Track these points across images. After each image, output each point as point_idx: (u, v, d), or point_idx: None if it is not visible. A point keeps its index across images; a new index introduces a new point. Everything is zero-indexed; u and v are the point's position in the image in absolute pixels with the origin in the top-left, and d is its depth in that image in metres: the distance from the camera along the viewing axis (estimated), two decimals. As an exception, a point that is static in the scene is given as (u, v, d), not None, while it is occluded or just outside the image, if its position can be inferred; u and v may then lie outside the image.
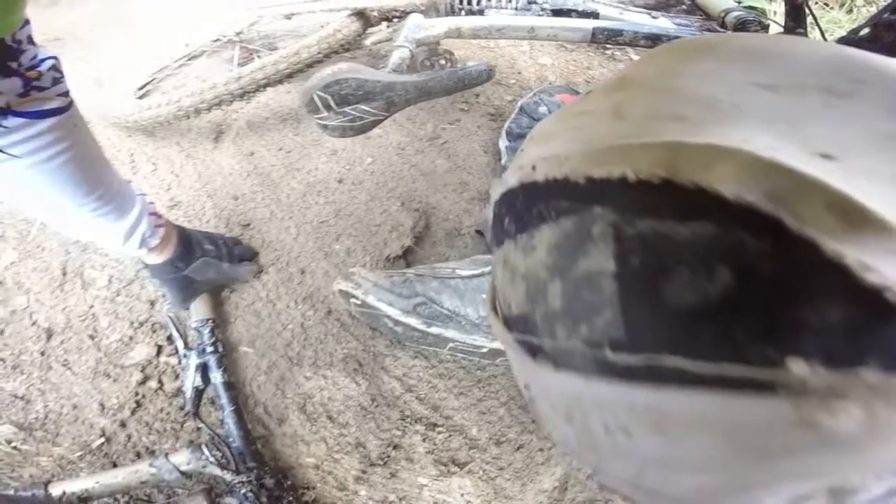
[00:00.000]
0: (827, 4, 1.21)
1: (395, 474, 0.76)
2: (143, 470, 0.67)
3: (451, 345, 0.78)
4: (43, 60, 0.52)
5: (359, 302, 0.79)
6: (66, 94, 0.56)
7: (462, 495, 0.75)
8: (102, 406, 0.82)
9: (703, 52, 0.21)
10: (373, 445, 0.77)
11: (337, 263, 0.94)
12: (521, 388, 0.27)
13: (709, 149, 0.15)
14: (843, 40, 0.75)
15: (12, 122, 0.51)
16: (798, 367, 0.15)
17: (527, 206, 0.22)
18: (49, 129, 0.54)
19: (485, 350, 0.76)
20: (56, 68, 0.54)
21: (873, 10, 1.17)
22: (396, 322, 0.77)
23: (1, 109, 0.50)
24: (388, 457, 0.77)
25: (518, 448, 0.78)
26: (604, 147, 0.18)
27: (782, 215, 0.14)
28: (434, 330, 0.76)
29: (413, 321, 0.76)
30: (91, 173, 0.62)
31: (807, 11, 0.70)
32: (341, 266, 0.94)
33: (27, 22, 0.49)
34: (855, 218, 0.14)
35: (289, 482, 0.73)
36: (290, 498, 0.69)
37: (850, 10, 1.17)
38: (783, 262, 0.14)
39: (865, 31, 0.73)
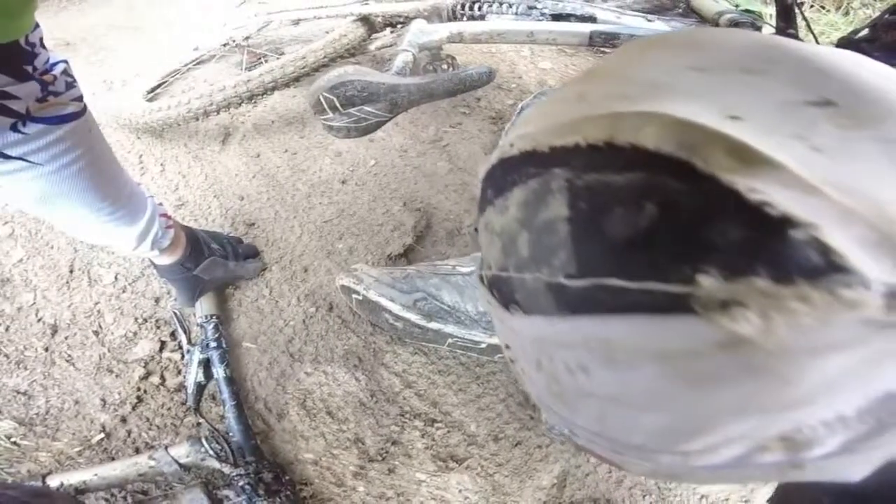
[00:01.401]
0: (823, 7, 1.21)
1: (394, 470, 0.75)
2: (141, 462, 0.67)
3: (450, 340, 0.78)
4: (55, 64, 0.52)
5: (360, 297, 0.79)
6: (80, 98, 0.55)
7: (460, 491, 0.74)
8: (104, 401, 0.82)
9: (656, 45, 0.25)
10: (371, 441, 0.76)
11: (339, 262, 0.94)
12: (504, 352, 0.28)
13: (640, 115, 0.19)
14: (842, 41, 0.75)
15: (32, 128, 0.51)
16: (706, 281, 0.17)
17: (503, 176, 0.25)
18: (67, 135, 0.54)
19: (483, 345, 0.76)
20: (67, 72, 0.54)
21: (870, 12, 1.17)
22: (397, 317, 0.77)
23: (21, 115, 0.49)
24: (387, 452, 0.76)
25: (516, 444, 0.77)
26: (565, 122, 0.22)
27: (693, 160, 0.18)
28: (434, 325, 0.75)
29: (413, 316, 0.75)
30: (106, 178, 0.61)
31: (797, 12, 0.70)
32: (344, 264, 0.93)
33: (37, 25, 0.49)
34: (749, 158, 0.17)
35: (287, 477, 0.72)
36: (288, 492, 0.68)
37: (847, 13, 1.17)
38: (694, 196, 0.18)
39: (865, 31, 0.73)
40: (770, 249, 0.17)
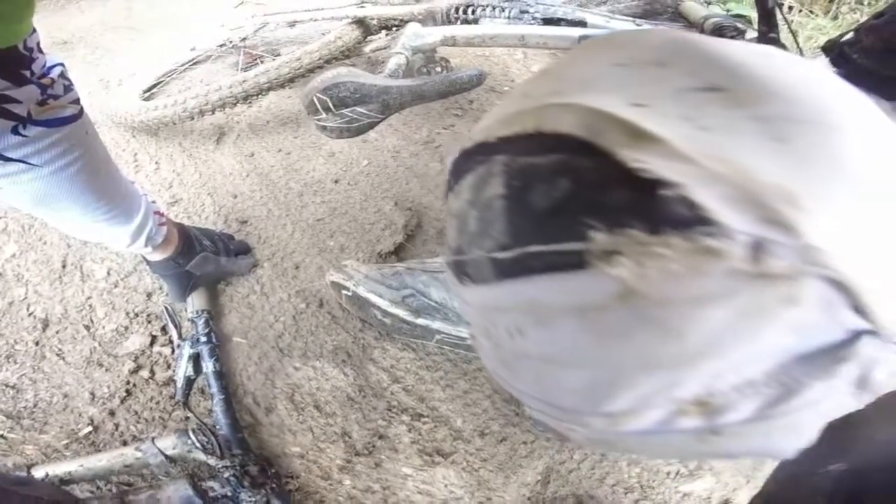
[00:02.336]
0: (812, 12, 1.22)
1: (380, 464, 0.75)
2: (128, 454, 0.67)
3: (438, 336, 0.78)
4: (52, 67, 0.53)
5: (349, 293, 0.79)
6: (77, 101, 0.56)
7: (446, 486, 0.73)
8: (93, 395, 0.82)
9: (593, 46, 0.29)
10: (358, 435, 0.76)
11: (330, 259, 0.94)
12: (466, 325, 0.32)
13: (563, 106, 0.23)
14: (827, 44, 0.76)
15: (32, 131, 0.51)
16: (596, 236, 0.21)
17: (462, 165, 0.29)
18: (65, 137, 0.54)
19: (470, 341, 0.76)
20: (64, 75, 0.55)
21: (858, 16, 1.18)
22: (385, 313, 0.77)
23: (22, 118, 0.50)
24: (374, 446, 0.76)
25: (501, 440, 0.77)
26: (509, 115, 0.26)
27: (596, 140, 0.21)
28: (421, 321, 0.76)
29: (401, 312, 0.76)
30: (102, 179, 0.62)
31: (779, 16, 0.71)
32: (335, 261, 0.94)
33: (34, 29, 0.49)
34: (639, 136, 0.20)
35: (273, 470, 0.71)
36: (274, 485, 0.67)
37: (836, 17, 1.18)
38: (596, 169, 0.21)
39: (849, 35, 0.74)
40: (645, 206, 0.20)
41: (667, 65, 0.23)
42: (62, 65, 0.55)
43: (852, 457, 0.34)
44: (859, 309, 0.20)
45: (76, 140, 0.56)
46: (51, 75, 0.52)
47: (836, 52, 0.73)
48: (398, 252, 0.95)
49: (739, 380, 0.21)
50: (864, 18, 0.89)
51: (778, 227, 0.18)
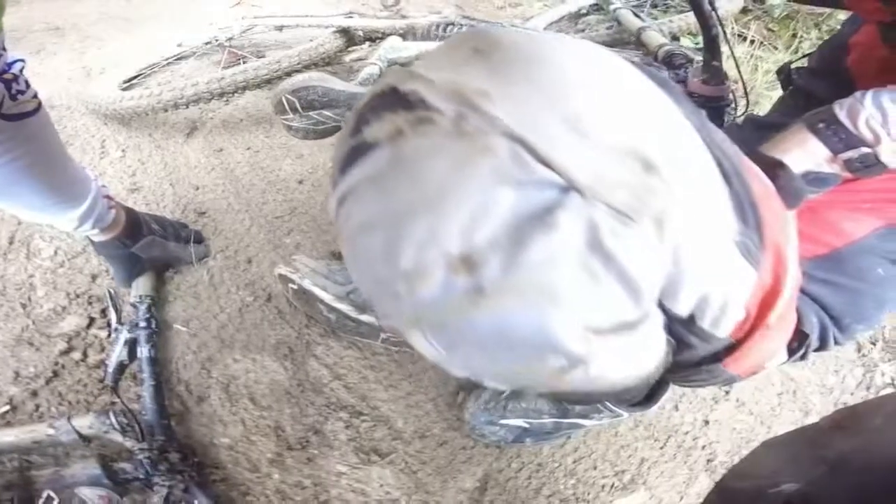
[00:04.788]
0: (775, 46, 1.28)
1: (313, 459, 0.71)
2: (39, 430, 0.62)
3: (383, 336, 0.75)
4: (12, 64, 0.54)
5: (295, 287, 0.77)
6: (36, 95, 0.57)
7: (381, 486, 0.70)
8: (17, 374, 0.77)
9: (463, 38, 0.35)
10: (292, 430, 0.73)
11: (284, 255, 0.92)
12: None
13: (413, 75, 0.31)
14: (780, 68, 0.77)
15: None
16: (376, 125, 0.31)
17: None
18: (24, 130, 0.56)
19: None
20: (23, 71, 0.56)
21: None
22: (330, 308, 0.75)
23: None
24: (307, 441, 0.72)
25: (442, 444, 0.74)
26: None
27: (410, 93, 0.30)
28: (365, 318, 0.73)
29: (345, 307, 0.73)
30: (55, 168, 0.63)
31: (721, 45, 0.74)
32: (288, 258, 0.91)
33: (1, 28, 0.51)
34: (421, 80, 0.30)
35: (196, 459, 0.67)
36: (193, 473, 0.63)
37: (796, 51, 1.24)
38: (398, 98, 0.31)
39: (802, 62, 0.76)
40: (403, 104, 0.30)
41: (485, 52, 0.32)
42: (23, 60, 0.56)
43: (807, 476, 0.32)
44: (544, 161, 0.27)
45: (34, 133, 0.58)
46: (12, 71, 0.53)
47: (784, 76, 0.75)
48: (354, 252, 0.94)
49: (485, 234, 0.27)
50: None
51: (472, 107, 0.28)
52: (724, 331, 0.39)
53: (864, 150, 0.49)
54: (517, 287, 0.27)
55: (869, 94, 0.49)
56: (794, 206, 0.47)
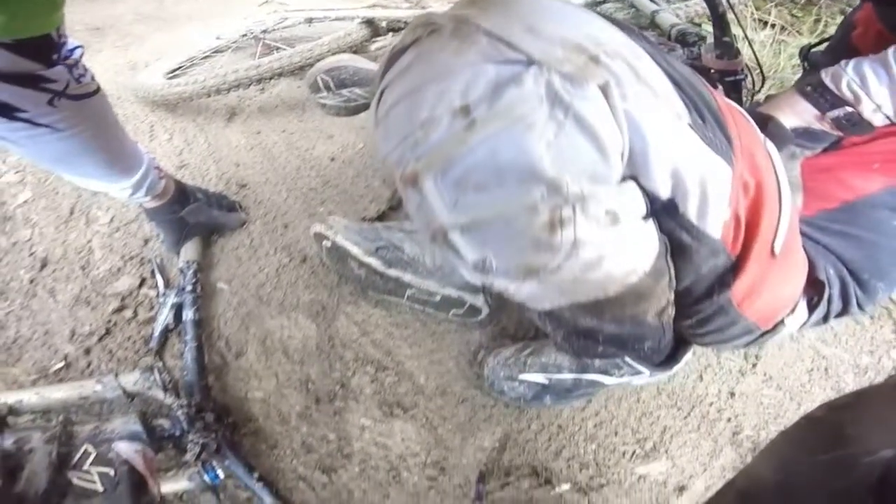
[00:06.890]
0: (799, 32, 1.24)
1: (338, 413, 0.72)
2: (87, 386, 0.65)
3: (408, 292, 0.77)
4: (73, 50, 0.59)
5: (329, 244, 0.78)
6: (94, 78, 0.63)
7: (403, 440, 0.71)
8: (73, 332, 0.81)
9: None
10: (322, 383, 0.75)
11: (318, 221, 0.94)
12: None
13: (430, 14, 0.40)
14: (802, 49, 0.78)
15: (63, 103, 0.58)
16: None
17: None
18: (86, 108, 0.61)
19: (438, 298, 0.74)
20: (82, 56, 0.61)
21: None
22: (360, 263, 0.76)
23: (57, 93, 0.57)
24: (335, 395, 0.74)
25: (462, 401, 0.74)
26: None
27: (426, 19, 0.39)
28: (392, 272, 0.75)
29: (374, 262, 0.75)
30: (112, 141, 0.68)
31: (736, 20, 0.74)
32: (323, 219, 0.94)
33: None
34: (462, 20, 0.37)
35: (231, 419, 0.69)
36: (226, 433, 0.65)
37: (822, 35, 1.20)
38: (424, 25, 0.39)
39: (824, 45, 0.77)
40: (420, 25, 0.39)
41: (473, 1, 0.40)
42: (81, 47, 0.61)
43: None
44: (512, 47, 0.35)
45: (95, 111, 0.63)
46: (74, 56, 0.59)
47: (804, 55, 0.77)
48: (381, 219, 0.96)
49: (476, 92, 0.35)
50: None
51: (464, 21, 0.37)
52: (713, 227, 0.41)
53: (848, 109, 0.54)
54: (498, 115, 0.35)
55: (851, 62, 0.54)
56: (783, 148, 0.55)
